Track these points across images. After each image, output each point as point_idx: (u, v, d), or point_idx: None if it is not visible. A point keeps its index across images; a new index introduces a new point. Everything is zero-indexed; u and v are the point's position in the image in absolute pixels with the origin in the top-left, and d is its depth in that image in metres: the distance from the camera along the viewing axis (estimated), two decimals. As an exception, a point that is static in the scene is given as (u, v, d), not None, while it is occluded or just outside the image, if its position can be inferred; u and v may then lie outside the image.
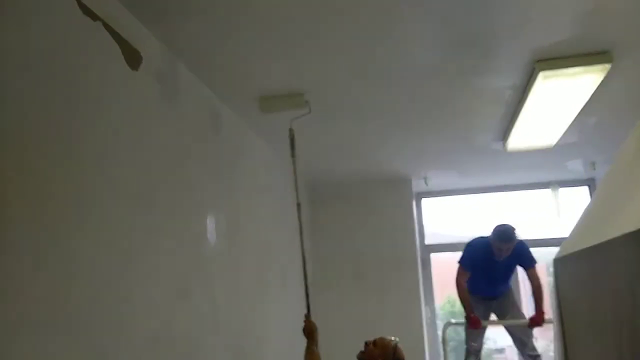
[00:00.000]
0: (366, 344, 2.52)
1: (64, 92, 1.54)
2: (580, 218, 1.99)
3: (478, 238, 3.97)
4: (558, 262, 1.99)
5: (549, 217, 4.66)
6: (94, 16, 1.70)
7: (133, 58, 1.92)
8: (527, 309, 4.85)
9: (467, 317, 3.76)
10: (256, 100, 2.80)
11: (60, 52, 1.54)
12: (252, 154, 3.32)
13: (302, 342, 4.10)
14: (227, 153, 2.83)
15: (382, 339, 2.51)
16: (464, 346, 4.21)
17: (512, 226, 3.73)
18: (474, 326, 3.75)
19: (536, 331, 4.58)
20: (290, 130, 2.73)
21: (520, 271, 4.55)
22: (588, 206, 2.03)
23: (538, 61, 2.41)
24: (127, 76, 1.89)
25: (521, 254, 3.82)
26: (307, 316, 2.59)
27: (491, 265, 3.81)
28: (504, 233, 3.68)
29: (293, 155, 2.78)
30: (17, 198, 1.33)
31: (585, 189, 4.80)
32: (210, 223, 2.51)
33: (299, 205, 2.83)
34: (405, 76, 2.58)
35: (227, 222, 2.71)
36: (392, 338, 2.54)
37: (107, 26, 1.77)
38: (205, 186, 2.50)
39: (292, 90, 2.73)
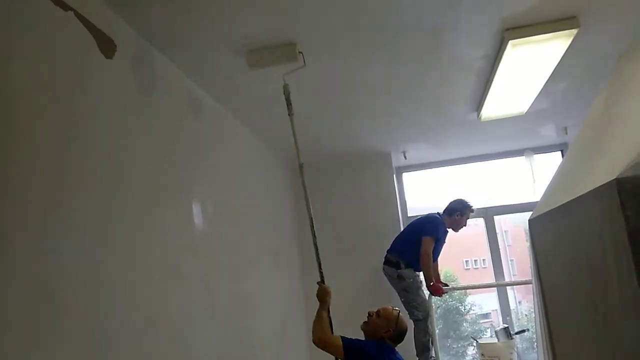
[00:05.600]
0: (369, 314, 2.64)
1: (37, 85, 1.53)
2: (553, 179, 2.07)
3: (436, 214, 4.30)
4: (533, 222, 2.07)
5: (525, 183, 4.78)
6: (65, 6, 1.69)
7: (107, 46, 1.92)
8: (510, 274, 5.02)
9: (430, 286, 4.06)
10: (243, 55, 2.46)
11: (32, 45, 1.54)
12: (234, 137, 3.33)
13: (296, 318, 4.19)
14: (208, 138, 2.84)
15: (385, 310, 2.62)
16: (451, 313, 4.35)
17: None
18: (438, 293, 4.10)
19: (519, 295, 4.74)
20: (285, 86, 2.56)
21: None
22: (560, 167, 2.11)
23: (507, 30, 2.47)
24: (102, 65, 1.89)
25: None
26: (321, 282, 2.63)
27: (442, 239, 4.23)
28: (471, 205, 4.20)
29: (290, 113, 2.63)
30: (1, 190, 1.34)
31: (558, 154, 4.92)
32: (196, 207, 2.54)
33: (301, 166, 2.72)
34: (380, 49, 2.61)
35: (213, 206, 2.74)
36: (394, 308, 2.64)
37: (79, 15, 1.76)
38: (188, 171, 2.52)
39: (282, 41, 2.41)
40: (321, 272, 2.68)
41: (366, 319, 2.67)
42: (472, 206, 4.23)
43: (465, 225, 4.28)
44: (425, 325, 3.94)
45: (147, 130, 2.16)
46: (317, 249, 2.67)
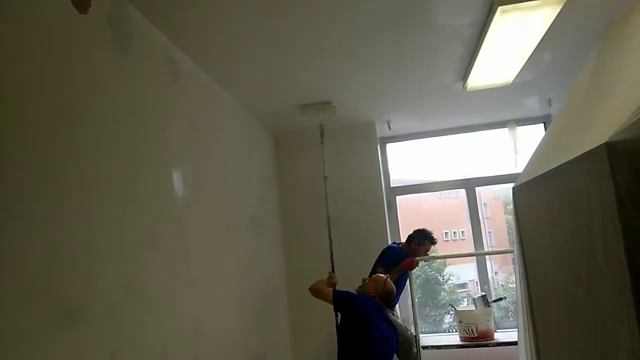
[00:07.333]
0: (364, 280, 3.25)
1: (5, 40, 1.44)
2: (538, 147, 2.06)
3: (392, 243, 4.29)
4: (517, 189, 2.07)
5: (507, 155, 4.80)
6: (34, -46, 1.59)
7: (81, 1, 1.82)
8: (488, 245, 5.10)
9: (404, 265, 3.90)
10: (296, 107, 3.91)
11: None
12: (215, 103, 3.24)
13: (277, 286, 4.24)
14: (189, 102, 2.76)
15: (376, 275, 3.24)
16: (430, 282, 4.39)
17: None
18: (413, 265, 3.91)
19: (496, 266, 4.81)
20: (321, 126, 4.13)
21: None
22: (546, 135, 2.11)
23: (496, -5, 2.42)
24: (75, 20, 1.79)
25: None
26: (331, 272, 3.54)
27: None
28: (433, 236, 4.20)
29: (322, 142, 4.18)
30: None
31: (541, 127, 4.94)
32: (176, 174, 2.48)
33: (325, 178, 4.05)
34: (364, 15, 2.53)
35: (193, 173, 2.68)
36: (384, 275, 3.23)
37: (49, -35, 1.65)
38: (167, 136, 2.45)
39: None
40: (332, 263, 3.77)
41: (361, 284, 3.21)
42: (433, 238, 4.18)
43: (424, 255, 4.16)
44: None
45: (124, 90, 2.07)
46: (331, 248, 3.85)
